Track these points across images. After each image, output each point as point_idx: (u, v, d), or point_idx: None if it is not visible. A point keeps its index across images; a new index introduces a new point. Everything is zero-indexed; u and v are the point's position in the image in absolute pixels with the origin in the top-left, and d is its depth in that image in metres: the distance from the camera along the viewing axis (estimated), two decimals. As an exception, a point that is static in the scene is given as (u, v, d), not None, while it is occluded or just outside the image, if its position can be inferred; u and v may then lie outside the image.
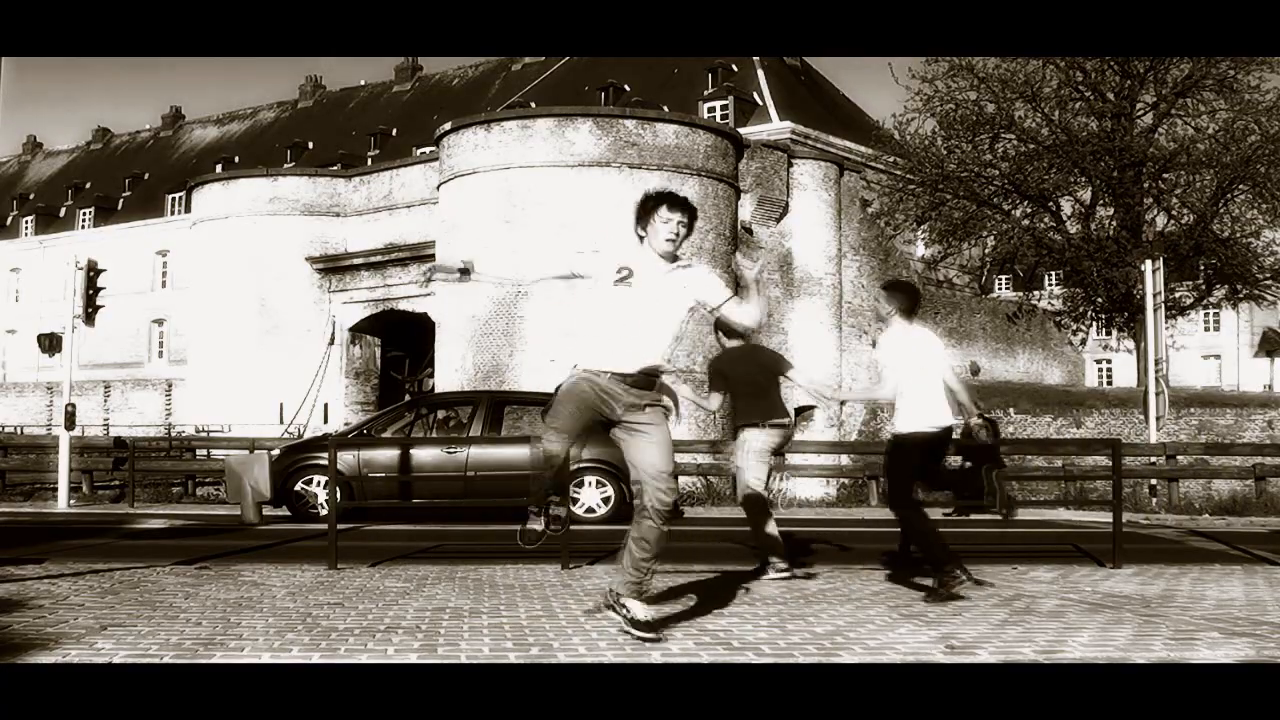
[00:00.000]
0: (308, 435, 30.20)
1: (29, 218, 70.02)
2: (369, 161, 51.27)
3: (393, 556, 9.63)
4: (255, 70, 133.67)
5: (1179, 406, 30.37)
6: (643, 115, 32.90)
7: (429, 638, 5.46)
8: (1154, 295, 19.52)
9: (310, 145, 61.14)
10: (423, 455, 15.07)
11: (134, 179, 67.72)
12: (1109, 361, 57.75)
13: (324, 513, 13.19)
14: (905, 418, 7.34)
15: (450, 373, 32.34)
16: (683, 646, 5.28)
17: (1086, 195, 34.28)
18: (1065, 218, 34.42)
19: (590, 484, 14.94)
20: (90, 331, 20.03)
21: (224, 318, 38.90)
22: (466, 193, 32.21)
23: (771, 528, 8.33)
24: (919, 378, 7.31)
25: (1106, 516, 9.19)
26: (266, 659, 4.94)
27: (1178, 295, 34.09)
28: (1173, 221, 33.70)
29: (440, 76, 62.91)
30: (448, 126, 33.57)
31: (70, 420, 18.32)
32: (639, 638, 5.31)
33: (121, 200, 66.97)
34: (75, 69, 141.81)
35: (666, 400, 5.67)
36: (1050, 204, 33.94)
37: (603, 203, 30.84)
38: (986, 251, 36.77)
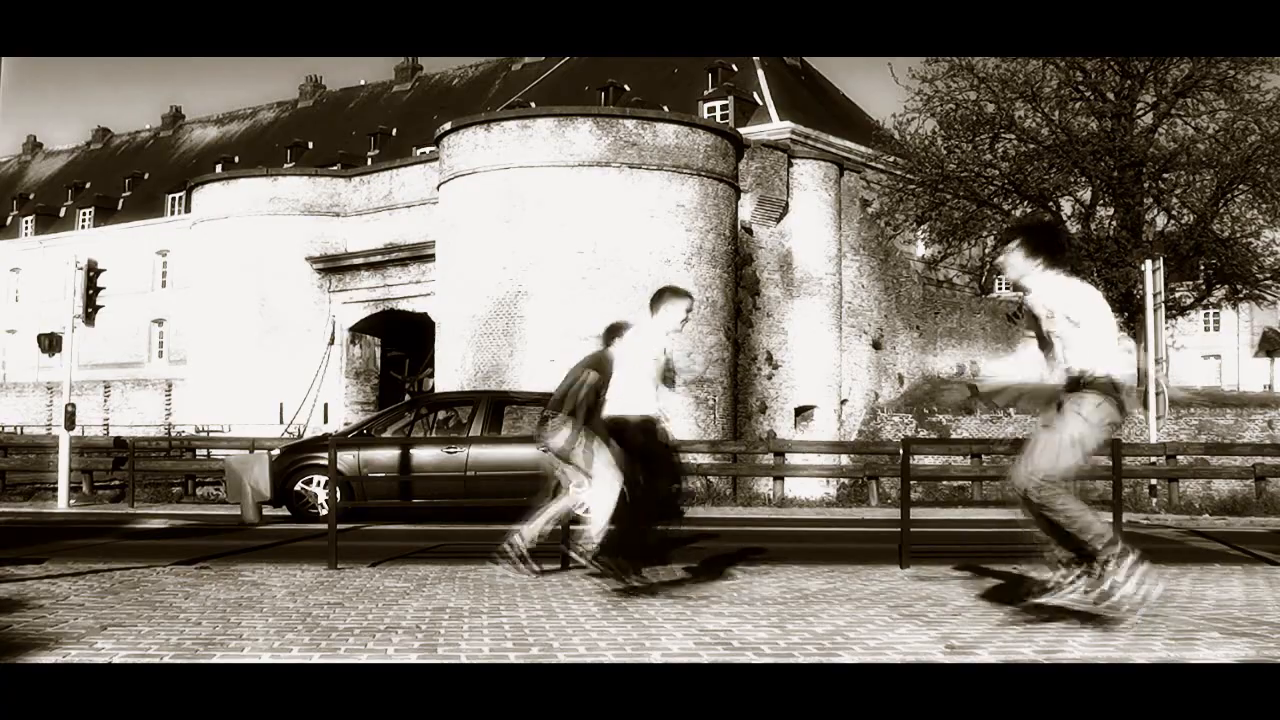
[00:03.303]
0: (308, 435, 30.21)
1: (29, 218, 69.99)
2: (369, 161, 51.27)
3: (393, 556, 9.63)
4: (255, 70, 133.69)
5: (1179, 406, 30.38)
6: (643, 115, 32.92)
7: (429, 638, 5.46)
8: (1154, 295, 19.52)
9: (310, 145, 61.12)
10: (423, 455, 15.07)
11: (134, 179, 67.71)
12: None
13: (324, 513, 13.20)
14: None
15: (450, 373, 32.35)
16: (683, 646, 5.28)
17: (1086, 195, 34.26)
18: (1065, 218, 34.39)
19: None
20: (90, 331, 20.03)
21: (224, 318, 38.92)
22: (466, 193, 32.22)
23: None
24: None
25: (1106, 516, 9.18)
26: (266, 659, 4.94)
27: (1178, 295, 34.07)
28: (1173, 221, 33.68)
29: (440, 76, 62.89)
30: (448, 126, 33.58)
31: (70, 420, 18.32)
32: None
33: (121, 200, 66.95)
34: (75, 69, 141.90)
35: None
36: (1050, 204, 33.91)
37: (603, 203, 30.87)
38: (986, 251, 36.75)
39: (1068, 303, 5.69)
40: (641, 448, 7.39)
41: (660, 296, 7.51)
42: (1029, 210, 34.21)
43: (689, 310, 7.54)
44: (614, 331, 8.18)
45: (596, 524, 8.00)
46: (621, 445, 7.47)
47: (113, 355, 58.51)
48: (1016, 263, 5.81)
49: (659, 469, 7.44)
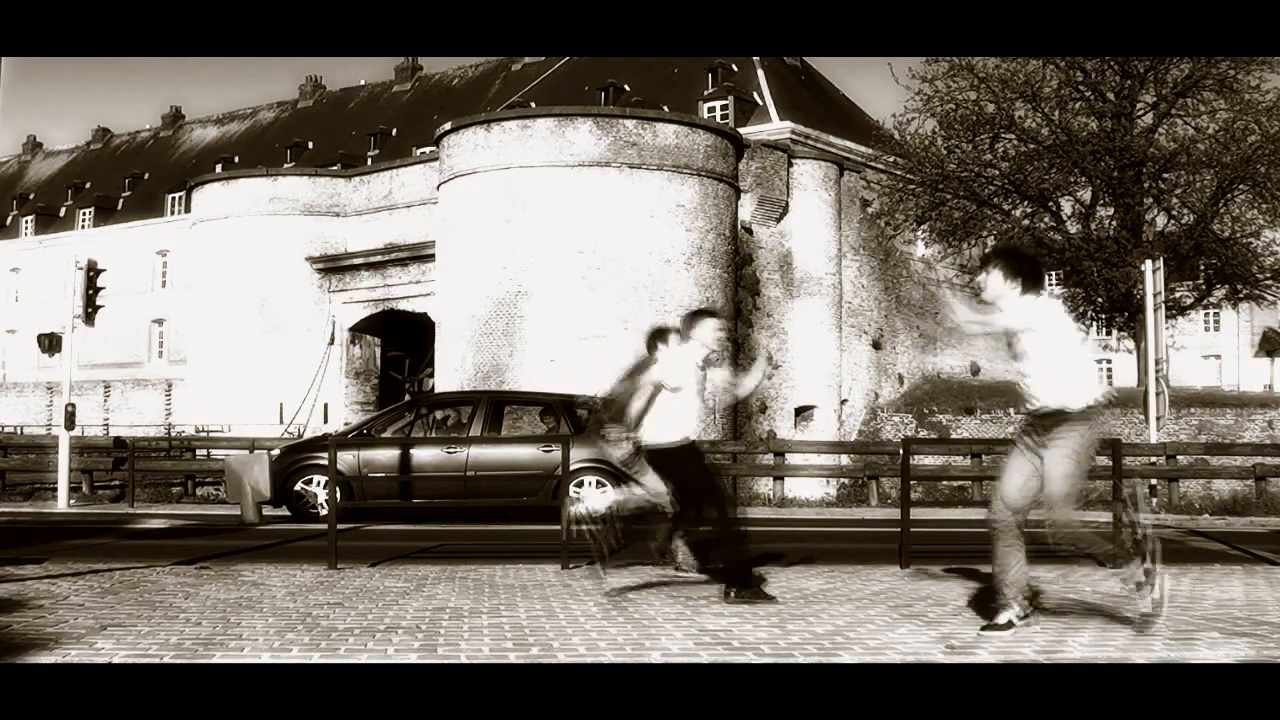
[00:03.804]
0: (308, 435, 30.21)
1: (29, 218, 69.96)
2: (369, 161, 51.24)
3: (393, 556, 9.63)
4: (255, 70, 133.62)
5: (1179, 406, 30.37)
6: (643, 115, 32.90)
7: (429, 638, 5.46)
8: (1154, 295, 19.51)
9: (310, 145, 61.09)
10: (423, 455, 15.06)
11: (134, 179, 67.67)
12: (1109, 361, 57.74)
13: (324, 513, 13.19)
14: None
15: (450, 373, 32.34)
16: (682, 646, 5.28)
17: (1086, 195, 34.26)
18: (1065, 218, 34.40)
19: (590, 484, 14.92)
20: (90, 331, 20.03)
21: (224, 318, 38.91)
22: (466, 193, 32.21)
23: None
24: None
25: (1106, 516, 9.18)
26: (266, 659, 4.94)
27: (1178, 295, 34.07)
28: (1173, 221, 33.68)
29: (440, 76, 62.86)
30: (448, 126, 33.57)
31: (70, 420, 18.32)
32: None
33: (121, 200, 66.92)
34: (75, 69, 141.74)
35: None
36: (1050, 204, 33.92)
37: (603, 203, 30.86)
38: (987, 251, 36.76)
39: (1037, 324, 5.80)
40: (681, 474, 7.31)
41: (691, 319, 7.51)
42: (1028, 211, 34.24)
43: (719, 329, 7.50)
44: (658, 335, 7.96)
45: (615, 497, 7.95)
46: (661, 473, 7.36)
47: (113, 355, 58.49)
48: (995, 284, 5.91)
49: (703, 495, 7.35)
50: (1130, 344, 34.82)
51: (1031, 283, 5.87)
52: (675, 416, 7.27)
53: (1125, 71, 32.35)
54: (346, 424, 33.67)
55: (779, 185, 35.63)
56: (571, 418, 15.34)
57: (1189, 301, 35.01)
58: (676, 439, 7.23)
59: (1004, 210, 34.15)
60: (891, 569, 8.66)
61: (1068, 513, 5.70)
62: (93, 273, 18.70)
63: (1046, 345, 5.76)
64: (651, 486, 7.92)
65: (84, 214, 67.19)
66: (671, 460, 7.26)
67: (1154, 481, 19.67)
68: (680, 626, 5.84)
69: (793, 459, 21.86)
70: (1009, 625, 5.72)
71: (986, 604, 6.77)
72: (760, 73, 46.59)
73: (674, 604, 6.67)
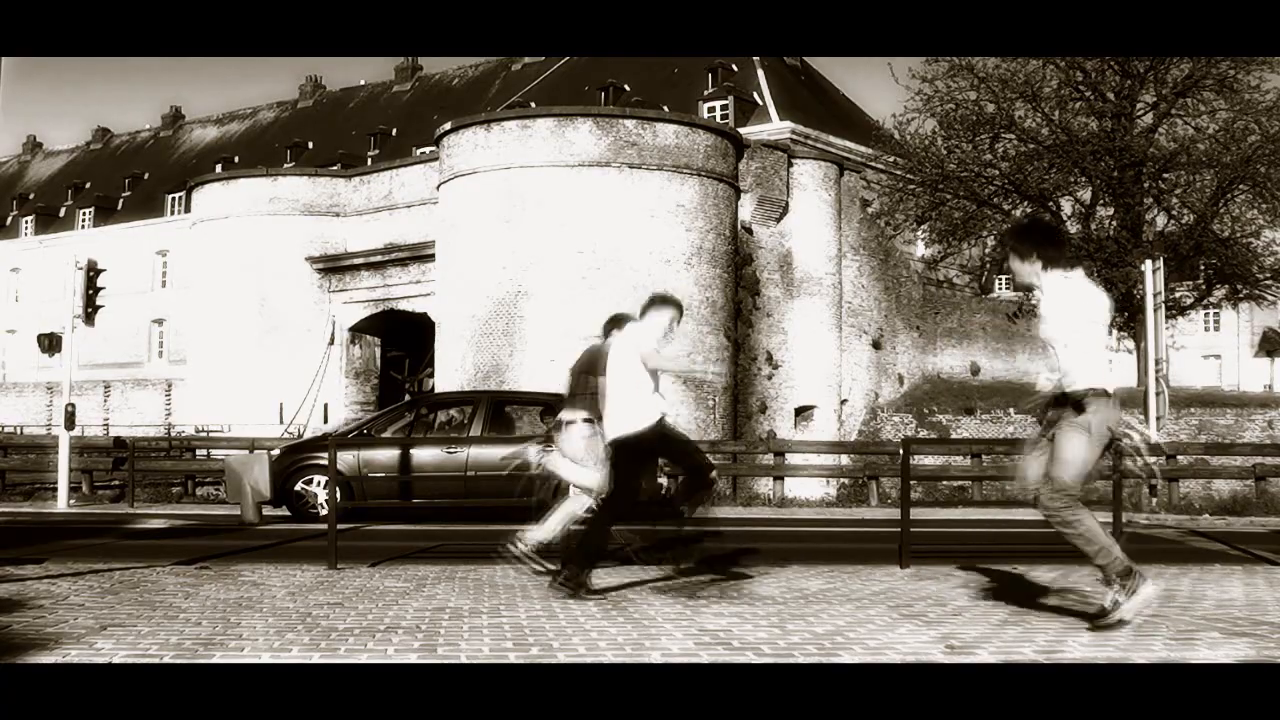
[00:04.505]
0: (308, 435, 30.21)
1: (29, 218, 69.97)
2: (369, 161, 51.25)
3: (393, 556, 9.62)
4: (255, 70, 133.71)
5: (1179, 406, 30.38)
6: (643, 115, 32.91)
7: (429, 638, 5.46)
8: (1154, 295, 19.49)
9: (310, 145, 61.09)
10: (423, 455, 15.07)
11: (134, 179, 67.68)
12: (1109, 361, 57.75)
13: (324, 513, 13.19)
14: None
15: (450, 373, 32.35)
16: (683, 646, 5.28)
17: (1086, 195, 34.27)
18: (1065, 218, 34.39)
19: (590, 484, 14.93)
20: (90, 331, 20.03)
21: (224, 318, 38.93)
22: (466, 193, 32.22)
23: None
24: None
25: (1106, 516, 9.18)
26: (266, 659, 4.94)
27: (1178, 295, 34.07)
28: (1173, 221, 33.69)
29: (440, 76, 62.87)
30: (448, 126, 33.58)
31: (70, 420, 18.32)
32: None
33: (121, 200, 66.92)
34: (75, 69, 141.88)
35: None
36: (1050, 204, 33.92)
37: (603, 203, 30.87)
38: (986, 251, 36.78)
39: (1062, 304, 5.74)
40: (652, 451, 7.24)
41: (649, 304, 7.36)
42: (1028, 210, 34.21)
43: (674, 320, 7.29)
44: (615, 323, 7.94)
45: (560, 516, 8.03)
46: (630, 459, 7.20)
47: (113, 355, 58.49)
48: (1018, 267, 5.87)
49: (617, 484, 7.22)
50: (1130, 344, 34.81)
51: (1049, 253, 5.78)
52: (633, 404, 7.12)
53: (1125, 71, 32.35)
54: (346, 424, 33.68)
55: (779, 185, 35.63)
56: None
57: (1189, 301, 35.02)
58: (640, 427, 7.10)
59: (1004, 210, 34.14)
60: (891, 569, 8.66)
61: (1066, 490, 5.59)
62: (93, 273, 18.71)
63: (1067, 323, 5.68)
64: (577, 475, 7.99)
65: (84, 214, 67.19)
66: (636, 447, 7.13)
67: (1154, 481, 19.67)
68: (680, 626, 5.84)
69: (793, 459, 21.87)
70: (1115, 606, 5.57)
71: (987, 604, 6.77)
72: (760, 73, 46.59)
73: (674, 604, 6.67)
